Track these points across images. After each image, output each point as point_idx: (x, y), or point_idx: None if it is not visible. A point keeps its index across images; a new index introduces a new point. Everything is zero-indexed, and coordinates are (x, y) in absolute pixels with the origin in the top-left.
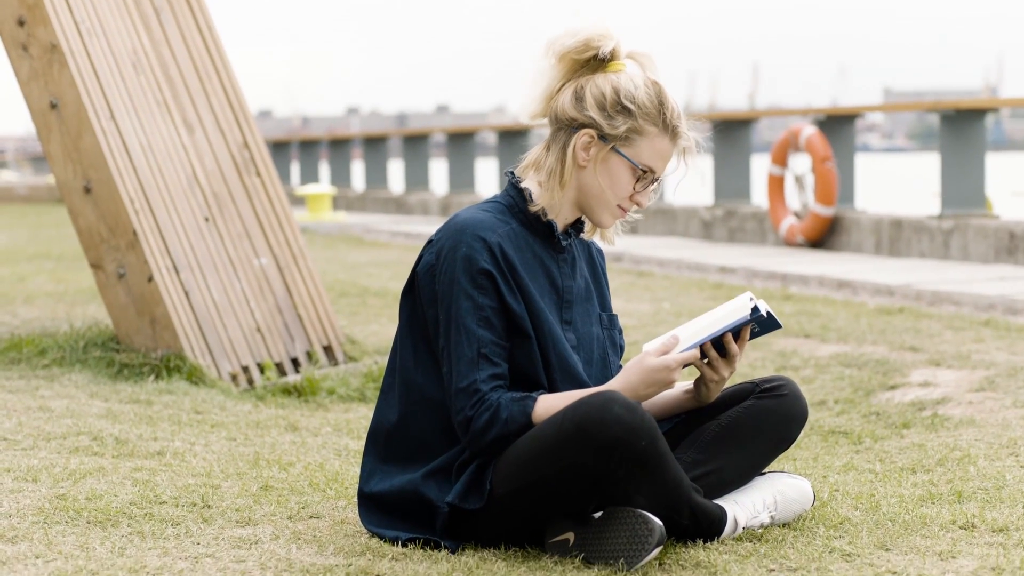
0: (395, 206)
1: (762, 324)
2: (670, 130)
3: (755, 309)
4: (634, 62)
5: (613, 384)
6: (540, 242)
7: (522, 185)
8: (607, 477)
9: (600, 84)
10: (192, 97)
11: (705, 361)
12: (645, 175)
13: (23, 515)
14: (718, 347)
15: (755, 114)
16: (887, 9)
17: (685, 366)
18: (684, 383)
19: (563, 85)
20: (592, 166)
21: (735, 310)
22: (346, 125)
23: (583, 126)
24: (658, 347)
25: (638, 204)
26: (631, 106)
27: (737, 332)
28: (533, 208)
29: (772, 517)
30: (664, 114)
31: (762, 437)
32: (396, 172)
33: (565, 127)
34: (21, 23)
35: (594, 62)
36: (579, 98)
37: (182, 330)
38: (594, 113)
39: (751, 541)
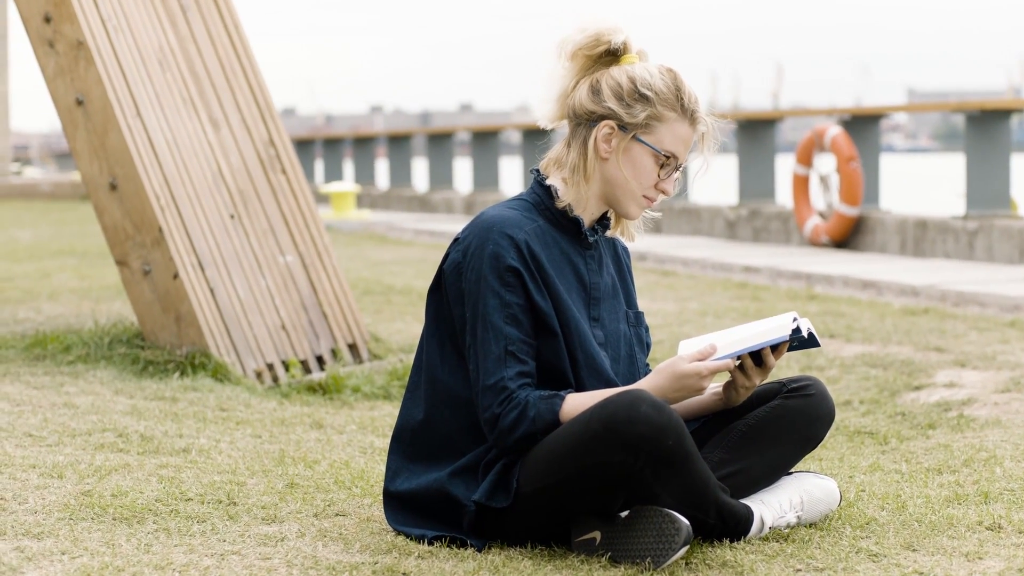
0: (419, 204)
1: (801, 341)
2: (688, 114)
3: (796, 329)
4: (645, 56)
5: (642, 384)
6: (567, 239)
7: (547, 182)
8: (634, 476)
9: (616, 75)
10: (218, 94)
11: (738, 364)
12: (668, 161)
13: (49, 511)
14: (754, 356)
15: (779, 114)
16: (910, 6)
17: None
18: (713, 385)
19: (578, 82)
20: (615, 157)
21: (776, 328)
22: (370, 123)
23: (602, 118)
24: (693, 354)
25: (663, 192)
26: (649, 93)
27: (776, 346)
28: (559, 204)
29: (799, 517)
30: (682, 99)
31: (789, 437)
32: (420, 170)
33: (584, 121)
34: (48, 20)
35: (606, 57)
36: (596, 91)
37: (207, 327)
38: (612, 104)
39: (777, 541)
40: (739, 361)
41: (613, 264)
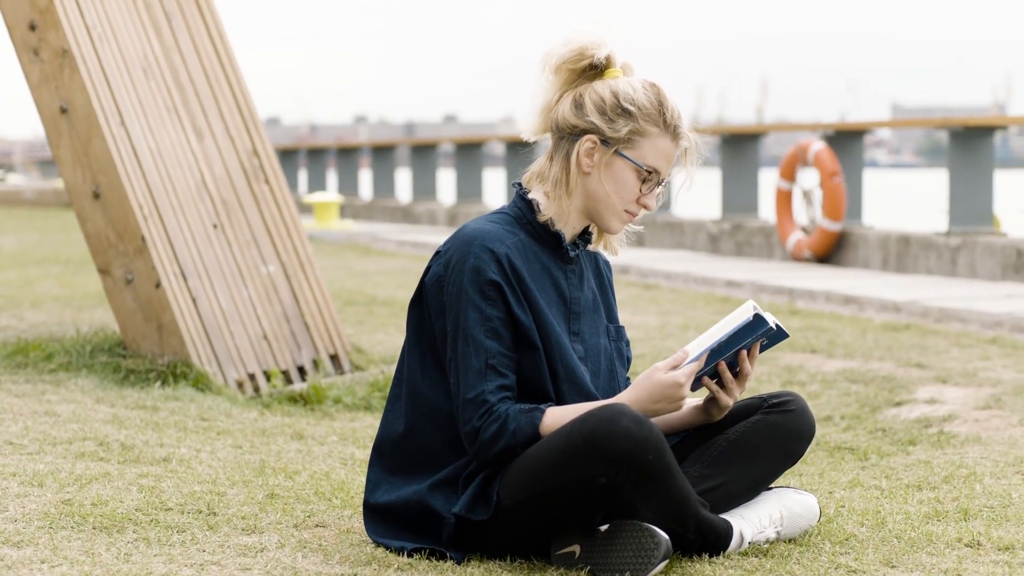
0: (402, 215)
1: (770, 336)
2: (671, 130)
3: (762, 319)
4: (630, 71)
5: (622, 398)
6: (548, 253)
7: (529, 196)
8: (614, 490)
9: (599, 90)
10: (202, 103)
11: (716, 381)
12: (650, 176)
13: (29, 520)
14: (730, 367)
15: (763, 128)
16: (896, 23)
17: (695, 388)
18: (693, 400)
19: (561, 96)
20: (597, 171)
21: (739, 315)
22: (354, 133)
23: (585, 132)
24: (668, 363)
25: (645, 207)
26: (631, 108)
27: (749, 349)
28: (541, 219)
29: (778, 532)
30: (664, 114)
31: (769, 452)
32: (404, 181)
33: (567, 135)
34: (32, 27)
35: (590, 71)
36: (578, 105)
37: (189, 337)
38: (595, 118)
39: (757, 556)
40: (715, 378)
41: (594, 278)
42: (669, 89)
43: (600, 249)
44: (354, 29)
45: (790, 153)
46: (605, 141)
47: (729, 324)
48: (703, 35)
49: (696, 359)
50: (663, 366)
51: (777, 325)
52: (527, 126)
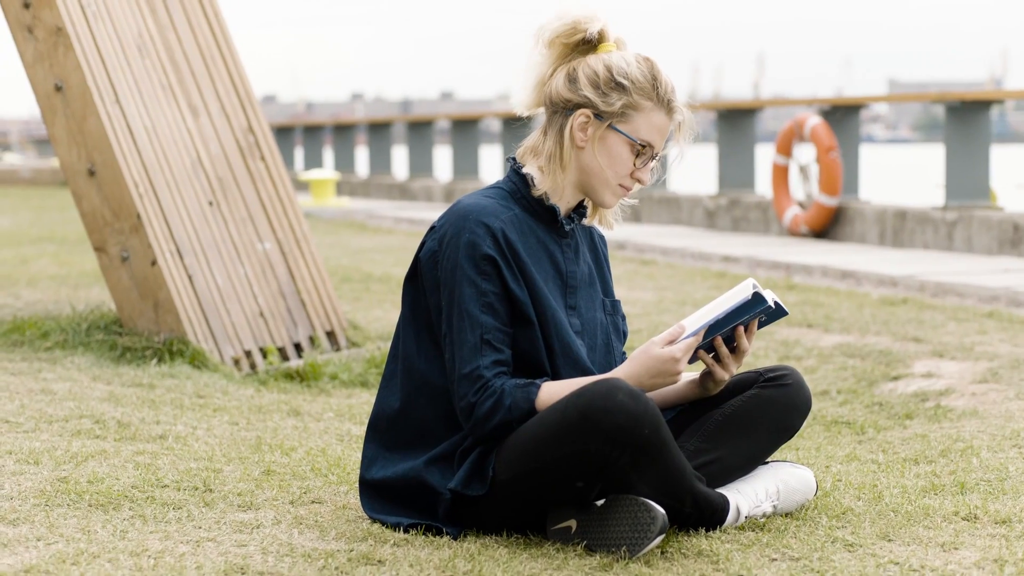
0: (399, 192)
1: (769, 314)
2: (665, 104)
3: (760, 297)
4: (623, 45)
5: (618, 372)
6: (543, 227)
7: (524, 171)
8: (610, 464)
9: (592, 64)
10: (197, 81)
11: (712, 355)
12: (644, 150)
13: (25, 497)
14: (728, 342)
15: (760, 103)
16: (892, 2)
17: (692, 361)
18: (689, 374)
19: (555, 70)
20: (591, 145)
21: (738, 293)
22: (350, 111)
23: (578, 106)
24: (664, 337)
25: (639, 181)
26: (625, 82)
27: (747, 326)
28: (536, 193)
29: (775, 506)
30: (658, 88)
31: (765, 426)
32: (400, 158)
33: (560, 110)
34: (27, 5)
35: (584, 45)
36: (572, 79)
37: (185, 314)
38: (588, 92)
39: (753, 530)
40: (712, 352)
41: (590, 252)
42: (663, 64)
43: (595, 223)
44: (350, 10)
45: (786, 128)
46: (599, 115)
47: (728, 301)
48: (700, 17)
49: (693, 334)
50: (659, 340)
51: (776, 303)
52: (521, 100)
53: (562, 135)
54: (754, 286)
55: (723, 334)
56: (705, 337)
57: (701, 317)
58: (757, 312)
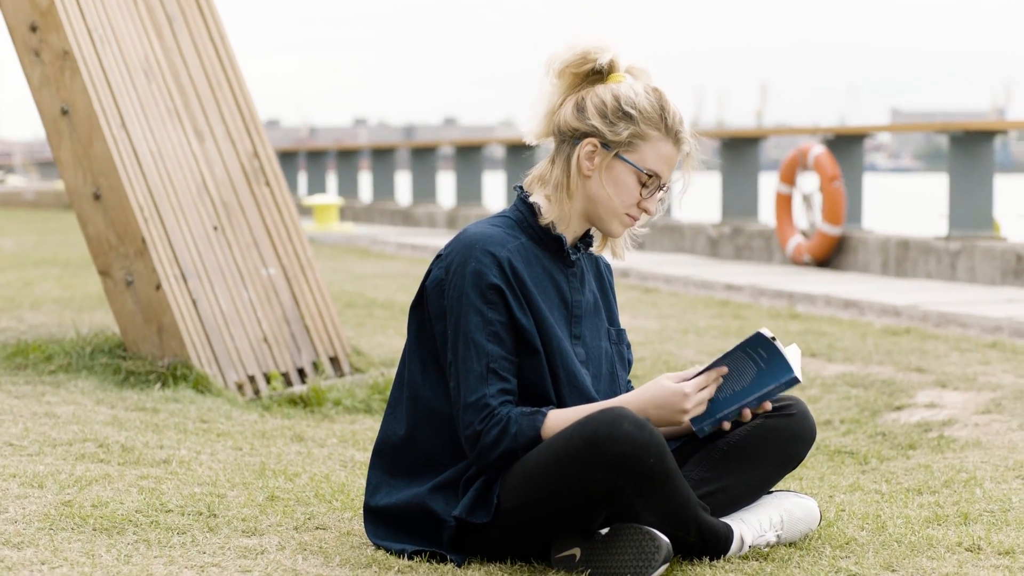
0: (402, 218)
1: (783, 384)
2: (672, 134)
3: (762, 337)
4: (632, 76)
5: (624, 401)
6: (549, 256)
7: (531, 199)
8: (615, 493)
9: (601, 93)
10: (203, 105)
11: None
12: (651, 179)
13: (29, 521)
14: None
15: (763, 132)
16: (896, 29)
17: (716, 425)
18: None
19: (564, 100)
20: (597, 175)
21: (749, 339)
22: (353, 136)
23: (586, 135)
24: (678, 375)
25: (646, 211)
26: (632, 111)
27: (771, 397)
28: (542, 222)
29: (778, 536)
30: (666, 118)
31: (770, 456)
32: (403, 184)
33: (568, 139)
34: (34, 29)
35: (593, 75)
36: (580, 108)
37: (189, 339)
38: (596, 121)
39: (757, 560)
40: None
41: (595, 281)
42: (671, 94)
43: (606, 253)
44: (353, 34)
45: (790, 157)
46: (606, 144)
47: (740, 345)
48: (704, 42)
49: (703, 372)
50: (672, 376)
51: (787, 365)
52: (530, 130)
53: (569, 164)
54: (766, 331)
55: (751, 406)
56: (732, 405)
57: (712, 359)
58: (783, 383)
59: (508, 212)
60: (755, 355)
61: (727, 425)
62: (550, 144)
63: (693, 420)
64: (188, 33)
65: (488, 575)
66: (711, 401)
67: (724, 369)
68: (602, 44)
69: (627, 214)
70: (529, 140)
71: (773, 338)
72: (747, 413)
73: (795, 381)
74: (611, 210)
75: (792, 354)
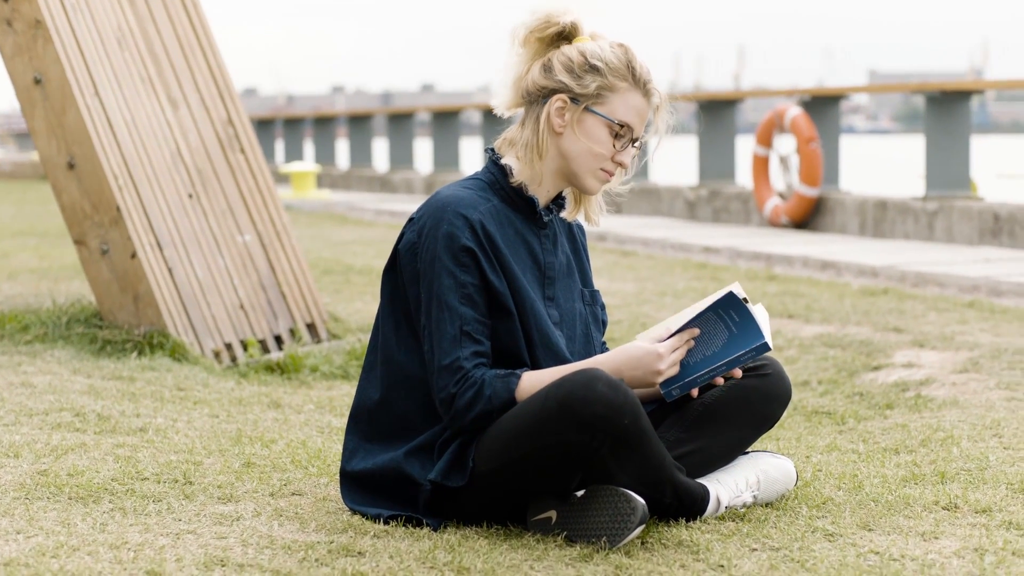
0: (379, 184)
1: (754, 351)
2: (641, 85)
3: (733, 296)
4: (599, 38)
5: (599, 362)
6: (522, 218)
7: (502, 161)
8: (590, 455)
9: (566, 51)
10: (177, 73)
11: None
12: (623, 131)
13: (4, 491)
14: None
15: (740, 95)
16: None
17: (686, 391)
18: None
19: (531, 66)
20: (569, 130)
21: (718, 293)
22: (331, 103)
23: (554, 92)
24: (650, 334)
25: (621, 164)
26: (599, 63)
27: (743, 364)
28: (514, 183)
29: (755, 497)
30: (633, 69)
31: (745, 416)
32: (381, 151)
33: (537, 99)
34: None
35: (558, 40)
36: (547, 68)
37: (165, 307)
38: (563, 77)
39: (734, 520)
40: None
41: (568, 243)
42: (639, 50)
43: (580, 218)
44: (331, 3)
45: (767, 119)
46: (575, 99)
47: (709, 299)
48: (681, 10)
49: (676, 333)
50: (645, 336)
51: (759, 330)
52: (500, 101)
53: (539, 122)
54: (736, 288)
55: (722, 374)
56: (701, 369)
57: (683, 317)
58: (753, 349)
59: (480, 174)
60: (727, 317)
61: (695, 392)
62: (521, 114)
63: (662, 384)
64: (161, 1)
65: (464, 538)
66: (681, 365)
67: (696, 331)
68: (564, 7)
69: (602, 169)
70: (499, 111)
71: (745, 299)
72: (719, 380)
73: (766, 347)
74: (585, 165)
75: (760, 315)
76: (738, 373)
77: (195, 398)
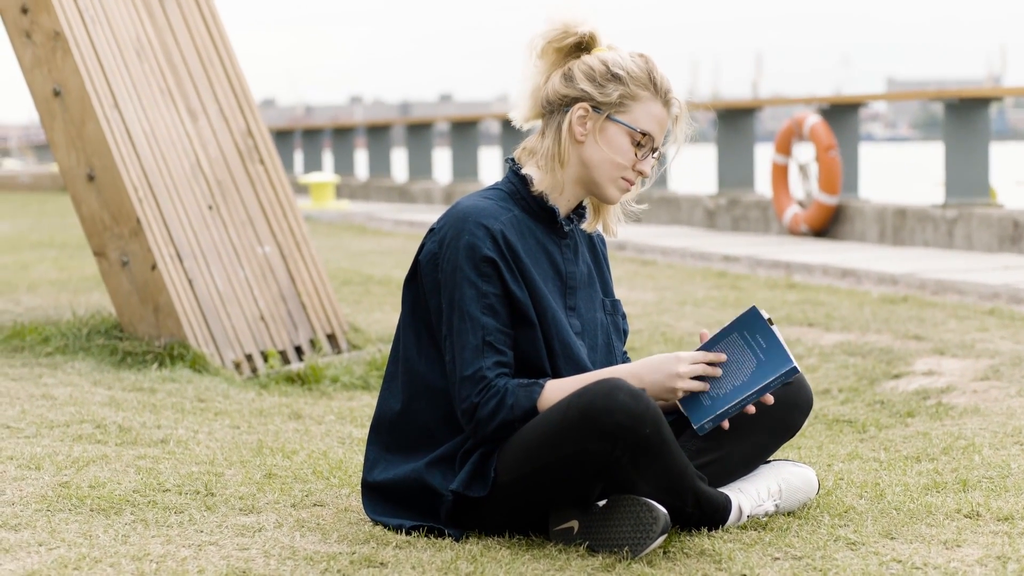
0: (398, 195)
1: (782, 377)
2: (662, 94)
3: (757, 313)
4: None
5: (621, 371)
6: (542, 228)
7: (522, 171)
8: (612, 464)
9: (588, 60)
10: (196, 84)
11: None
12: (644, 139)
13: (26, 503)
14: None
15: (758, 103)
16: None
17: (718, 423)
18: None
19: (549, 76)
20: (591, 138)
21: (740, 315)
22: (349, 114)
23: (576, 100)
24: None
25: (641, 173)
26: (621, 72)
27: (772, 391)
28: (534, 192)
29: (777, 505)
30: (655, 79)
31: (767, 425)
32: (399, 161)
33: (558, 108)
34: (24, 10)
35: (576, 50)
36: (568, 77)
37: (185, 318)
38: (585, 85)
39: (756, 529)
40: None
41: (589, 252)
42: (658, 60)
43: (598, 229)
44: (346, 8)
45: (786, 127)
46: (597, 107)
47: (735, 321)
48: (697, 13)
49: (703, 348)
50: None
51: (788, 357)
52: (519, 113)
53: (560, 131)
54: (759, 310)
55: (753, 402)
56: (734, 398)
57: (710, 338)
58: (782, 375)
59: (500, 184)
60: (753, 343)
61: (727, 424)
62: (540, 125)
63: (693, 417)
64: (179, 12)
65: (486, 549)
66: (712, 398)
67: (723, 357)
68: (582, 17)
69: (623, 178)
70: (518, 124)
71: (770, 320)
72: (751, 408)
73: (794, 372)
74: (606, 174)
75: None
76: (769, 400)
77: (216, 409)
